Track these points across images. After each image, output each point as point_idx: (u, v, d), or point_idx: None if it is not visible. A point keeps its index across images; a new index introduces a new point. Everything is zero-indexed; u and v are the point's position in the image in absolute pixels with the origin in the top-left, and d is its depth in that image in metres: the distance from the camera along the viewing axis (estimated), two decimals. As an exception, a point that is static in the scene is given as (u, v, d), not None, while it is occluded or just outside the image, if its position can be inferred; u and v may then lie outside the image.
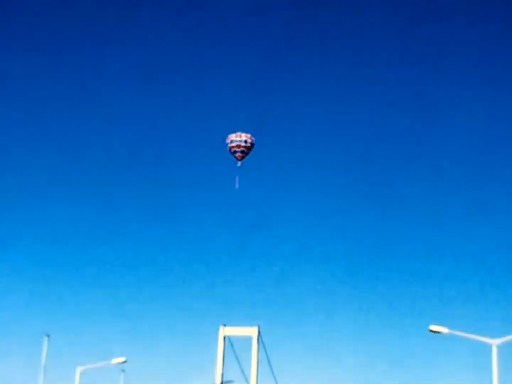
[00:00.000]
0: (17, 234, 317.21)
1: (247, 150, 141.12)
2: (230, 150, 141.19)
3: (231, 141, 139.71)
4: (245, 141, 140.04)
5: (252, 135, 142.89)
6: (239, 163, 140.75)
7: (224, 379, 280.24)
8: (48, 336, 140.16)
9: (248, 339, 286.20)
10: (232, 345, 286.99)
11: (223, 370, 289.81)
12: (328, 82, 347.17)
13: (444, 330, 38.36)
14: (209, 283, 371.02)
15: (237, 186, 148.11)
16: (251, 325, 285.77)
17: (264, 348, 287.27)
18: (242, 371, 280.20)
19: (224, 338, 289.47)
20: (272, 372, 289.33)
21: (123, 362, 49.23)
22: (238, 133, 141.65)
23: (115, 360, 48.84)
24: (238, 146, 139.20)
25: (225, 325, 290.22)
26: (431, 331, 38.42)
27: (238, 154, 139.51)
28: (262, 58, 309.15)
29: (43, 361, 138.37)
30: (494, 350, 36.83)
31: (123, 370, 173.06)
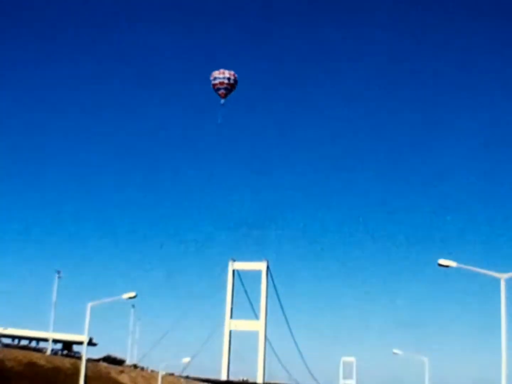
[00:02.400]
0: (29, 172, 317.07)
1: (230, 87, 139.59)
2: (213, 87, 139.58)
3: (215, 78, 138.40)
4: (228, 78, 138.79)
5: (236, 72, 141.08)
6: (222, 101, 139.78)
7: (233, 313, 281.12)
8: (58, 272, 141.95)
9: (257, 275, 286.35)
10: (241, 280, 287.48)
11: (232, 304, 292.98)
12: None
13: (452, 264, 38.62)
14: (218, 217, 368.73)
15: (219, 121, 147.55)
16: (260, 260, 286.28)
17: (273, 282, 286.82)
18: (251, 305, 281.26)
19: (233, 272, 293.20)
20: (281, 306, 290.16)
21: (134, 297, 49.54)
22: (221, 70, 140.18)
23: (126, 295, 49.15)
24: (221, 83, 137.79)
25: (234, 260, 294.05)
26: (440, 265, 38.69)
27: (221, 92, 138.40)
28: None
29: (54, 297, 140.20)
30: (503, 284, 37.08)
31: (133, 306, 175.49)
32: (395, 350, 64.34)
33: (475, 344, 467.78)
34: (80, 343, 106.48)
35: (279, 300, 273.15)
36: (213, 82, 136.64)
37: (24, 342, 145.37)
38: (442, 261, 38.50)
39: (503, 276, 37.41)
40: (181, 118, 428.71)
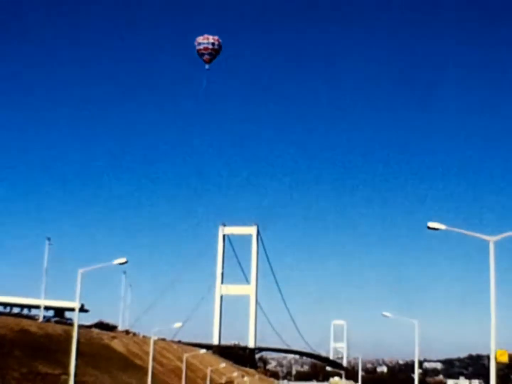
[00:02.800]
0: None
1: (214, 53, 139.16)
2: (198, 53, 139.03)
3: (199, 44, 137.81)
4: (213, 44, 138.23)
5: (220, 37, 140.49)
6: (207, 66, 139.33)
7: (224, 278, 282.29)
8: (49, 239, 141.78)
9: (248, 240, 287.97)
10: (231, 245, 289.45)
11: (223, 269, 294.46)
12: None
13: (442, 226, 38.72)
14: (206, 183, 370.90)
15: (204, 86, 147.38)
16: (250, 225, 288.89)
17: (264, 247, 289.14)
18: (242, 270, 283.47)
19: (224, 237, 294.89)
20: (272, 270, 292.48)
21: (125, 263, 49.58)
22: (206, 36, 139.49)
23: (117, 261, 49.21)
24: (206, 48, 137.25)
25: (224, 224, 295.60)
26: (429, 227, 38.74)
27: (206, 57, 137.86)
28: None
29: (45, 264, 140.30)
30: (491, 247, 37.22)
31: (125, 272, 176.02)
32: (385, 313, 64.63)
33: (464, 307, 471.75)
34: (72, 309, 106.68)
35: (269, 264, 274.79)
36: (197, 47, 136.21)
37: (16, 310, 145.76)
38: (431, 224, 38.57)
39: (492, 239, 37.55)
40: (167, 84, 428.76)
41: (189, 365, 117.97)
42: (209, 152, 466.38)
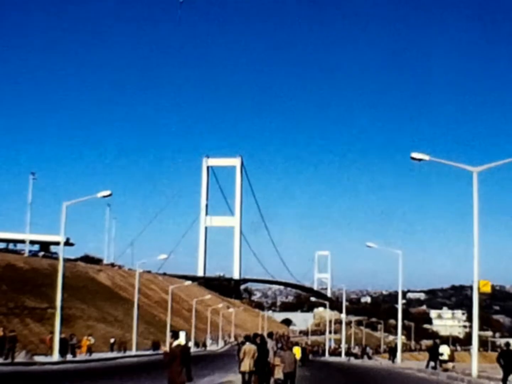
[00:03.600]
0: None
1: None
2: None
3: None
4: None
5: None
6: None
7: (209, 210, 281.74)
8: (33, 174, 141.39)
9: (232, 171, 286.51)
10: (216, 176, 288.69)
11: (207, 201, 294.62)
12: None
13: (425, 157, 38.56)
14: (190, 114, 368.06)
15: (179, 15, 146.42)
16: (234, 156, 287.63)
17: (248, 178, 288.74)
18: (226, 201, 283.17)
19: (208, 169, 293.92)
20: (256, 201, 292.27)
21: (109, 196, 49.41)
22: None
23: (101, 194, 48.99)
24: None
25: (208, 156, 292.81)
26: (413, 158, 38.51)
27: None
28: None
29: (29, 199, 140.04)
30: (475, 177, 37.21)
31: (109, 205, 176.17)
32: (369, 244, 64.93)
33: (448, 238, 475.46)
34: (57, 243, 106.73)
35: (254, 195, 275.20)
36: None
37: (1, 245, 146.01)
38: (415, 155, 38.36)
39: (476, 170, 37.52)
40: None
41: (174, 297, 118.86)
42: (191, 82, 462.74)
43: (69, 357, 53.46)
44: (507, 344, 31.27)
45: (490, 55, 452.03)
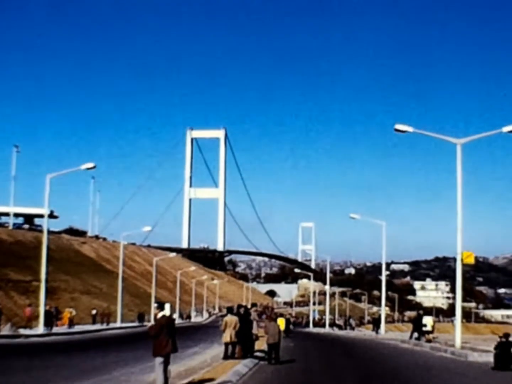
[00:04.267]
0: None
1: None
2: None
3: None
4: None
5: None
6: None
7: (193, 182, 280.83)
8: (16, 147, 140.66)
9: (216, 143, 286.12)
10: (200, 148, 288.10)
11: (191, 173, 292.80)
12: None
13: (409, 129, 38.53)
14: (174, 86, 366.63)
15: None
16: (218, 128, 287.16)
17: (232, 150, 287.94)
18: (210, 173, 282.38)
19: (192, 141, 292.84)
20: (240, 173, 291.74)
21: (93, 168, 49.25)
22: None
23: (85, 166, 48.81)
24: None
25: (192, 128, 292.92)
26: (396, 130, 38.45)
27: None
28: None
29: (13, 172, 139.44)
30: (459, 149, 37.26)
31: (93, 177, 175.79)
32: (353, 215, 65.11)
33: (431, 210, 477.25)
34: (41, 216, 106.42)
35: (238, 167, 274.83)
36: None
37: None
38: (398, 126, 38.29)
39: (459, 142, 37.56)
40: None
41: (159, 269, 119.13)
42: (176, 52, 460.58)
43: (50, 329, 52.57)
44: (506, 335, 28.09)
45: (473, 30, 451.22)
